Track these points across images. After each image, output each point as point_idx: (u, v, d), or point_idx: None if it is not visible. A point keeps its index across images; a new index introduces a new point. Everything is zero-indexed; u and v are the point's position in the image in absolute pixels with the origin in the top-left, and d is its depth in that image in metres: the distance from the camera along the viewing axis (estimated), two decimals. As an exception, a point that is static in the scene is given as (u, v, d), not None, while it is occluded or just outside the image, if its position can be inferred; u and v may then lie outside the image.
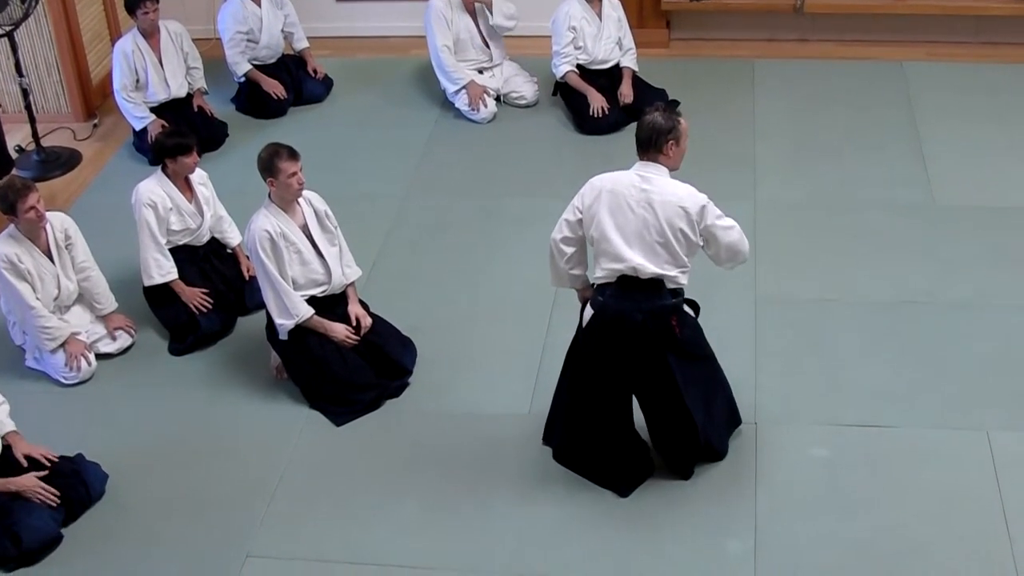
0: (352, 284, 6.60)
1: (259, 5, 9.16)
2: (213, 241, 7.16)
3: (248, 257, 6.81)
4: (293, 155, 6.25)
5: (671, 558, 5.46)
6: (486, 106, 9.01)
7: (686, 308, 5.63)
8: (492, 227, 7.80)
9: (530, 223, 7.72)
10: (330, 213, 6.53)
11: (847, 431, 6.07)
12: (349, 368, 6.37)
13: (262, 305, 6.48)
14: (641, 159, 5.47)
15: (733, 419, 6.01)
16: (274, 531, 5.70)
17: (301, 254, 6.35)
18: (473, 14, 9.09)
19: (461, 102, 9.05)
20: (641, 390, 5.70)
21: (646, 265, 5.41)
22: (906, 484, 5.76)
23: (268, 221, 6.27)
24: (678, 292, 5.55)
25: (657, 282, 5.46)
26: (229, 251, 7.23)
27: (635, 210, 5.40)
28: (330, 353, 6.37)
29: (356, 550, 5.59)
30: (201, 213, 7.02)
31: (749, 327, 6.78)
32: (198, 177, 7.04)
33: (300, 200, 6.39)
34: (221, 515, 5.80)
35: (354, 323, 6.48)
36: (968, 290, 7.00)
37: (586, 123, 8.76)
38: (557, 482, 5.87)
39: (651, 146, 5.41)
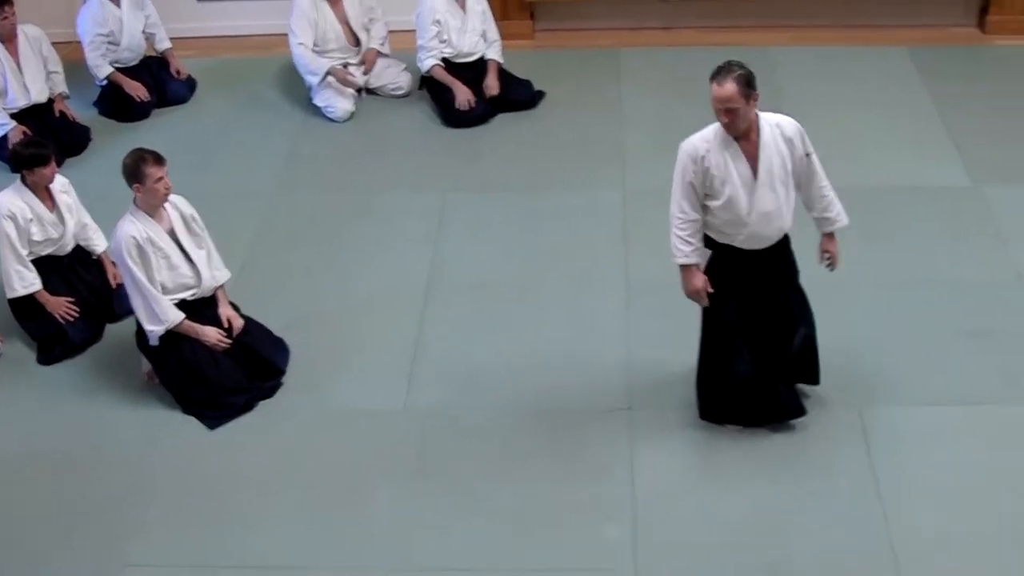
0: (222, 286, 6.54)
1: (119, 6, 9.04)
2: (78, 249, 7.04)
3: (114, 264, 6.72)
4: (159, 160, 6.18)
5: (546, 545, 5.49)
6: (353, 86, 9.05)
7: None
8: (362, 223, 7.79)
9: (399, 217, 7.72)
10: (197, 216, 6.47)
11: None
12: (221, 371, 6.32)
13: (130, 312, 6.40)
14: None
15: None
16: (152, 538, 5.64)
17: (169, 259, 6.28)
18: (340, 11, 9.05)
19: (321, 99, 9.02)
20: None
21: None
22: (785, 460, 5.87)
23: (134, 227, 6.19)
24: None
25: None
26: (95, 258, 7.10)
27: None
28: (202, 357, 6.31)
29: (237, 553, 5.56)
30: (63, 222, 6.89)
31: (621, 311, 6.83)
32: (59, 185, 6.91)
33: (167, 204, 6.32)
34: (97, 524, 5.72)
35: (225, 325, 6.43)
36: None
37: (452, 116, 8.78)
38: (434, 476, 5.89)
39: None
